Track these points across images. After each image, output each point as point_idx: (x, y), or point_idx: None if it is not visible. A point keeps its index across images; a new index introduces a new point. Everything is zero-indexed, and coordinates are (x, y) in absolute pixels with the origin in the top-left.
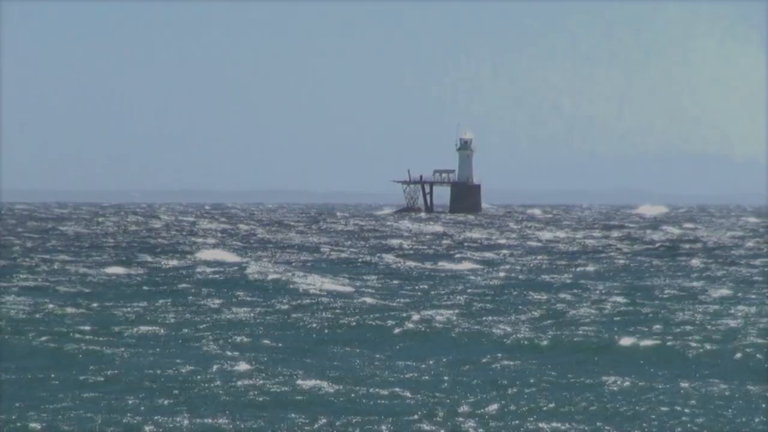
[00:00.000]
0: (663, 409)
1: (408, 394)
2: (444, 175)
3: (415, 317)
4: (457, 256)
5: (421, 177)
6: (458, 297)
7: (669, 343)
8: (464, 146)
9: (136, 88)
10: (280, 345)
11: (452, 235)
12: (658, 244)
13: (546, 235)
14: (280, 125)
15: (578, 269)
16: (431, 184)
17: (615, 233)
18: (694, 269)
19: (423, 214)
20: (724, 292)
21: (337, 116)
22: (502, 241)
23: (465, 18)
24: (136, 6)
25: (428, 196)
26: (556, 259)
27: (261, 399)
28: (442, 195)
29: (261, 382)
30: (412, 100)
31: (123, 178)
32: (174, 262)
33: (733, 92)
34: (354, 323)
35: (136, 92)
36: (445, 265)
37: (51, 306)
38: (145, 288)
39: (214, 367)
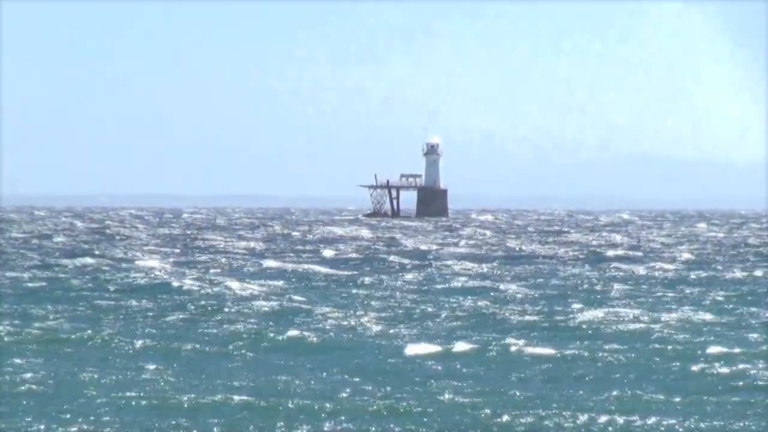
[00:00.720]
0: None
1: (325, 403)
2: (411, 179)
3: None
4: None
5: (387, 181)
6: (376, 303)
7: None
8: (431, 151)
9: (103, 89)
10: (185, 351)
11: (383, 240)
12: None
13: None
14: (250, 129)
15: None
16: (398, 188)
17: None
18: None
19: (373, 221)
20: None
21: (304, 120)
22: (424, 247)
23: (432, 20)
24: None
25: (395, 201)
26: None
27: (173, 402)
28: (410, 199)
29: (172, 388)
30: (379, 104)
31: (91, 181)
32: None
33: (732, 95)
34: (267, 330)
35: (105, 93)
36: (362, 271)
37: None
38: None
39: (122, 373)
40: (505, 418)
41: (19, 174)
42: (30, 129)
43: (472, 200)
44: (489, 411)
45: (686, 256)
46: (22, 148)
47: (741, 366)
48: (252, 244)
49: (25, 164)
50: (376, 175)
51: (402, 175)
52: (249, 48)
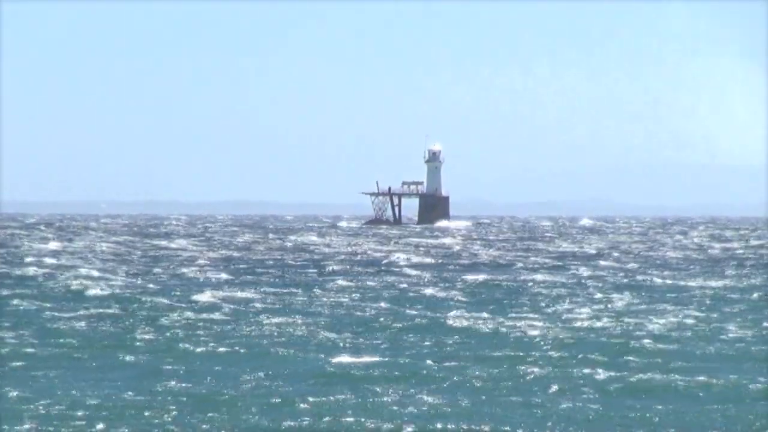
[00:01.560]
0: None
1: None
2: (412, 186)
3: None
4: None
5: (389, 189)
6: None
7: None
8: (433, 158)
9: (101, 99)
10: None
11: (345, 247)
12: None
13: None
14: (252, 136)
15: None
16: (399, 195)
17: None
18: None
19: (352, 224)
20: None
21: (307, 127)
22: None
23: (434, 29)
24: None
25: (396, 208)
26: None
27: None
28: (412, 206)
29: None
30: (382, 112)
31: (91, 188)
32: None
33: (729, 100)
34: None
35: (103, 103)
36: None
37: None
38: None
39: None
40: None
41: (18, 180)
42: (29, 136)
43: (474, 207)
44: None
45: (604, 263)
46: (22, 154)
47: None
48: (209, 253)
49: (25, 171)
50: (377, 183)
51: (404, 183)
52: (250, 52)
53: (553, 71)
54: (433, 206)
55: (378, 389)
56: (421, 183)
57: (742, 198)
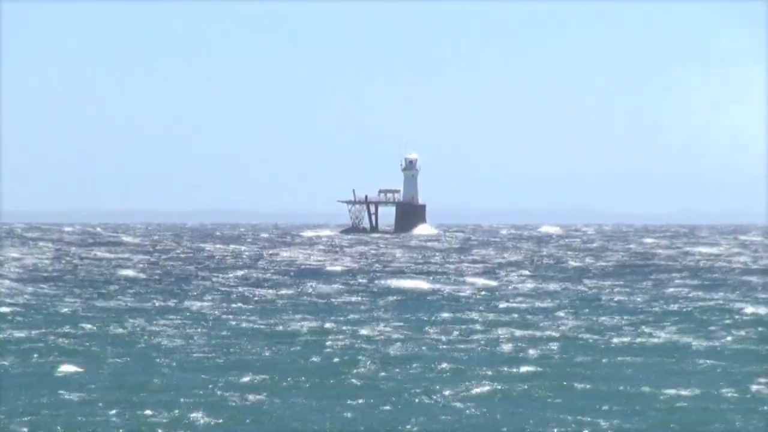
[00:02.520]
0: None
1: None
2: (389, 195)
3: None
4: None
5: (366, 197)
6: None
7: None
8: (409, 166)
9: (85, 103)
10: None
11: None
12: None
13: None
14: (230, 143)
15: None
16: (376, 204)
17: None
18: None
19: (323, 232)
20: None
21: (284, 134)
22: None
23: (410, 35)
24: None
25: (373, 216)
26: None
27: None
28: (389, 214)
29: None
30: (358, 120)
31: (69, 197)
32: None
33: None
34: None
35: (87, 106)
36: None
37: None
38: None
39: None
40: None
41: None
42: (7, 145)
43: (450, 215)
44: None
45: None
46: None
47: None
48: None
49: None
50: (354, 191)
51: (380, 191)
52: (228, 58)
53: (535, 77)
54: (410, 214)
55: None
56: (397, 191)
57: (741, 205)
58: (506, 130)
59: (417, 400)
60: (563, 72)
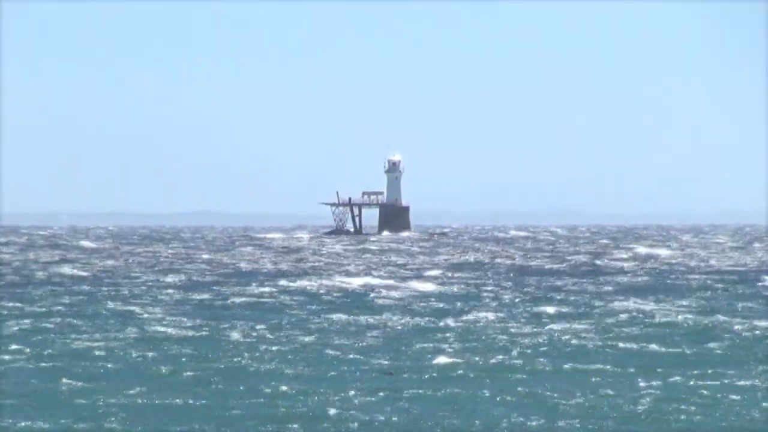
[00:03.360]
0: None
1: None
2: (372, 197)
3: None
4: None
5: (350, 199)
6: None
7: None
8: (392, 168)
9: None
10: None
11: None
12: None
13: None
14: (211, 146)
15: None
16: (360, 206)
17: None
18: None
19: (299, 234)
20: None
21: (268, 137)
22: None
23: (395, 36)
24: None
25: (357, 218)
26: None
27: None
28: (373, 216)
29: None
30: (341, 121)
31: (52, 200)
32: None
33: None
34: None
35: (72, 106)
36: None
37: None
38: None
39: None
40: None
41: None
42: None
43: (434, 217)
44: None
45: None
46: None
47: None
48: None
49: None
50: (338, 193)
51: (364, 193)
52: (211, 62)
53: (524, 79)
54: (394, 216)
55: None
56: (381, 193)
57: (736, 205)
58: (493, 134)
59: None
60: (553, 74)
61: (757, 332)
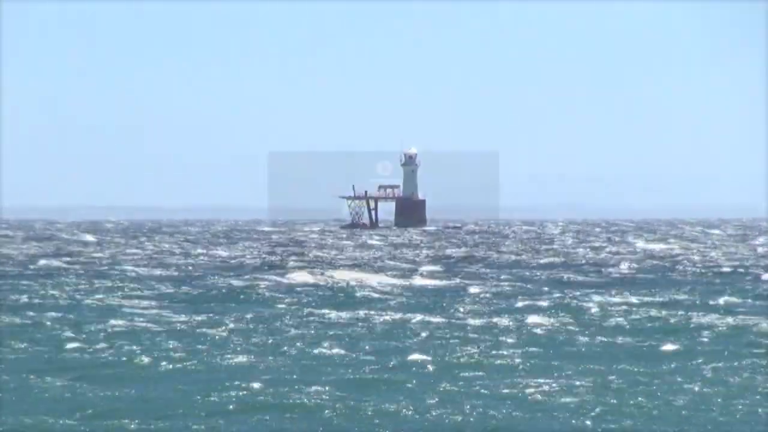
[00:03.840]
0: None
1: None
2: (389, 190)
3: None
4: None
5: (366, 192)
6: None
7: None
8: (409, 162)
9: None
10: None
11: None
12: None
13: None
14: (227, 141)
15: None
16: (376, 199)
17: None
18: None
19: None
20: None
21: (283, 131)
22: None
23: (411, 31)
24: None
25: (373, 212)
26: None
27: None
28: (389, 210)
29: None
30: (341, 121)
31: (70, 193)
32: None
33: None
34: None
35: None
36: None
37: None
38: None
39: None
40: None
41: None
42: (6, 141)
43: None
44: None
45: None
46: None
47: None
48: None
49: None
50: (354, 186)
51: (380, 186)
52: (221, 55)
53: (524, 79)
54: (410, 210)
55: None
56: (397, 186)
57: (735, 199)
58: (505, 130)
59: None
60: (553, 74)
61: (746, 325)
